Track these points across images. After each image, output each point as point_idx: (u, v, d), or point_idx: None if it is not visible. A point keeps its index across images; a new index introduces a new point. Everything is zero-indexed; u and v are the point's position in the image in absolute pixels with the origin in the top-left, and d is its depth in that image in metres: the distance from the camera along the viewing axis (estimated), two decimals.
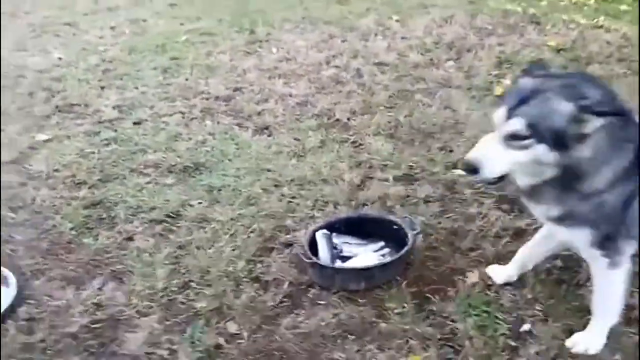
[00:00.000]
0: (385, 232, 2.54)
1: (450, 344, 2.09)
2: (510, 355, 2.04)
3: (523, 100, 1.63)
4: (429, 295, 2.30)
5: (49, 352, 2.06)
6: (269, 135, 3.53)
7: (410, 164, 3.19)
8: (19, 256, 2.51)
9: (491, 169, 1.68)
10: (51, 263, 2.48)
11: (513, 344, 2.09)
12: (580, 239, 1.86)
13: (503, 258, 2.46)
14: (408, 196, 2.92)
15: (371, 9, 5.82)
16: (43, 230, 2.69)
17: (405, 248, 2.36)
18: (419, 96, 4.02)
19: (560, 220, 1.83)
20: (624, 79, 4.26)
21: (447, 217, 2.76)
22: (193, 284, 2.36)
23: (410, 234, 2.43)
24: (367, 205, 2.84)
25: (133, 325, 2.17)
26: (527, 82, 1.70)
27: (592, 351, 2.01)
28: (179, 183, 3.04)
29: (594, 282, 2.02)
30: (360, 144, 3.42)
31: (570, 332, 2.09)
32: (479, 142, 1.73)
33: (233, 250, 2.53)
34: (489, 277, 2.38)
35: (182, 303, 2.28)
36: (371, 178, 3.08)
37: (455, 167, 3.17)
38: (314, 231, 2.46)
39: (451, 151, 3.31)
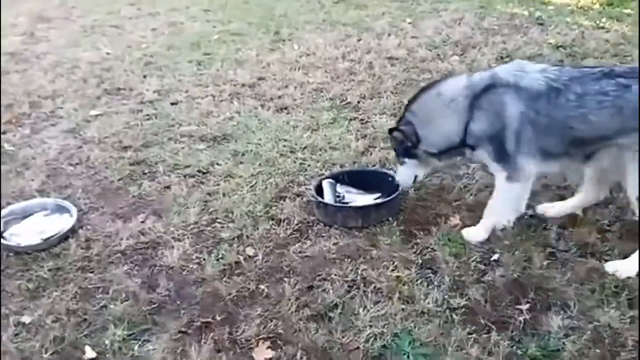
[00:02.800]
0: (382, 184, 2.98)
1: (429, 265, 2.52)
2: (479, 275, 2.45)
3: None
4: (415, 232, 2.73)
5: (102, 262, 2.56)
6: (287, 114, 4.02)
7: None
8: (78, 197, 3.04)
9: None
10: (103, 203, 3.01)
11: (482, 267, 2.50)
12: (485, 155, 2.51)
13: (482, 207, 2.88)
14: None
15: (386, 13, 6.32)
16: (96, 180, 3.23)
17: (396, 192, 2.80)
18: (423, 84, 4.46)
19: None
20: None
21: (437, 176, 3.18)
22: (219, 220, 2.85)
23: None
24: (369, 166, 3.29)
25: (169, 246, 2.66)
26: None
27: (474, 240, 2.63)
28: (209, 148, 3.56)
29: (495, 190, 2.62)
30: (367, 121, 3.88)
31: (530, 260, 2.50)
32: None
33: (253, 197, 3.01)
34: (469, 221, 2.80)
35: (210, 233, 2.76)
36: (374, 147, 3.53)
37: None
38: (321, 180, 2.92)
39: None
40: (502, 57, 4.93)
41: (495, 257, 2.56)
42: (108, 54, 5.25)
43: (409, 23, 5.96)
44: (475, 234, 2.65)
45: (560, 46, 5.23)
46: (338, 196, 2.92)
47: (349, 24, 5.99)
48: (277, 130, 3.76)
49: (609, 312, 2.19)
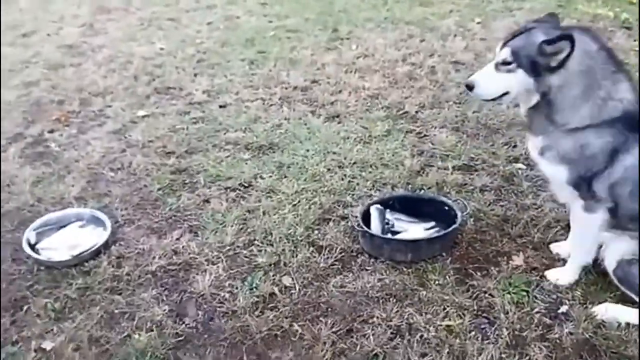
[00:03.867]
0: (437, 212, 2.68)
1: (485, 315, 2.22)
2: (544, 331, 2.13)
3: (515, 36, 2.01)
4: (472, 272, 2.43)
5: (132, 284, 2.43)
6: (339, 123, 3.77)
7: (472, 155, 3.30)
8: (115, 207, 2.94)
9: (483, 88, 2.10)
10: (140, 215, 2.89)
11: (548, 321, 2.17)
12: (556, 174, 2.10)
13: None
14: (465, 184, 3.04)
15: (454, 11, 5.90)
16: (135, 189, 3.11)
17: (453, 226, 2.50)
18: None
19: (542, 153, 2.09)
20: None
21: (501, 206, 2.85)
22: (256, 242, 2.65)
23: (459, 215, 2.56)
24: (423, 189, 3.00)
25: (202, 270, 2.49)
26: (526, 24, 2.07)
27: (561, 282, 2.32)
28: (253, 158, 3.37)
29: (573, 224, 2.32)
30: (425, 135, 3.57)
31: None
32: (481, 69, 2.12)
33: (294, 217, 2.80)
34: (534, 262, 2.47)
35: (246, 257, 2.57)
36: (431, 166, 3.23)
37: (516, 160, 3.24)
38: (369, 205, 2.66)
39: (515, 146, 3.38)
40: None
41: (564, 308, 2.23)
42: (162, 49, 5.16)
43: (478, 23, 5.53)
44: (563, 275, 2.34)
45: None
46: (387, 223, 2.65)
47: (413, 22, 5.63)
48: (326, 141, 3.52)
49: None
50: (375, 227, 2.59)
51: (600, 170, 1.99)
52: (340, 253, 2.56)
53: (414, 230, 2.63)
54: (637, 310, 2.13)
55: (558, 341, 2.08)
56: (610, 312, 2.16)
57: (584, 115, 1.97)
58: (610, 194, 2.03)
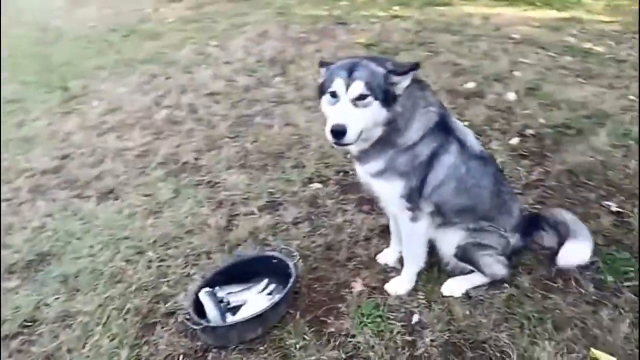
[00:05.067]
0: (267, 268, 2.51)
1: (354, 359, 2.15)
2: (410, 350, 2.17)
3: (351, 71, 1.94)
4: (324, 318, 2.34)
5: None
6: (115, 199, 3.27)
7: (270, 189, 3.21)
8: None
9: (353, 129, 1.92)
10: None
11: (409, 338, 2.22)
12: (392, 190, 2.15)
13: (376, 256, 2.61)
14: (277, 224, 2.93)
15: (186, 39, 5.71)
16: None
17: (291, 280, 2.36)
18: (258, 119, 4.05)
19: (380, 174, 2.13)
20: (428, 60, 4.75)
21: (319, 234, 2.82)
22: None
23: (291, 264, 2.43)
24: (240, 245, 2.79)
25: None
26: (340, 62, 2.02)
27: (401, 292, 2.40)
28: (25, 283, 2.68)
29: (402, 235, 2.37)
30: (216, 183, 3.34)
31: (450, 312, 2.30)
32: (333, 112, 1.96)
33: (111, 340, 2.30)
34: (371, 281, 2.51)
35: None
36: (236, 215, 3.03)
37: (311, 181, 3.27)
38: (196, 293, 2.34)
39: (304, 167, 3.40)
40: None
41: (416, 318, 2.31)
42: None
43: (215, 46, 5.45)
44: (400, 285, 2.43)
45: (371, 44, 5.25)
46: (221, 302, 2.37)
47: (148, 60, 5.27)
48: (109, 227, 3.01)
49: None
50: (212, 313, 2.29)
51: (428, 174, 2.12)
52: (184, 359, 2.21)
53: (251, 298, 2.41)
54: (468, 277, 2.40)
55: (426, 355, 2.15)
56: (452, 286, 2.39)
57: (418, 129, 2.07)
58: (436, 196, 2.17)
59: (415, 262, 2.41)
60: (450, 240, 2.34)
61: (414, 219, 2.23)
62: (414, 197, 2.16)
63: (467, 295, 2.38)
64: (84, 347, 2.29)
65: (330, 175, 3.29)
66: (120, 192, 3.33)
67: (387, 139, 2.07)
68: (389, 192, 2.17)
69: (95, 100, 4.51)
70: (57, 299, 2.55)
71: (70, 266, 2.75)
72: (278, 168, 3.43)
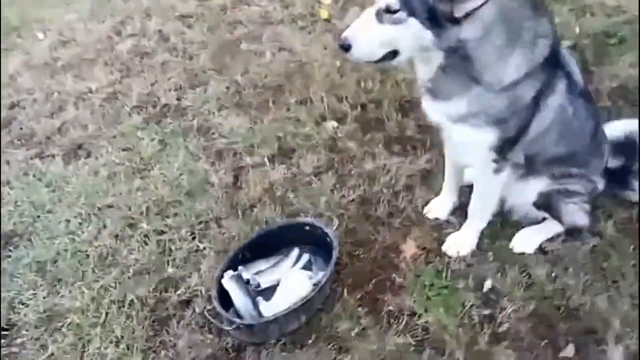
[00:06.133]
0: (295, 235, 2.04)
1: (426, 345, 1.76)
2: (492, 327, 1.79)
3: None
4: (378, 295, 1.91)
5: None
6: (87, 157, 2.66)
7: (277, 133, 2.65)
8: None
9: (363, 45, 1.57)
10: None
11: (486, 312, 1.83)
12: (482, 140, 1.69)
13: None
14: (295, 176, 2.42)
15: None
16: None
17: (334, 254, 1.89)
18: (244, 45, 3.38)
19: (465, 118, 1.65)
20: None
21: (349, 187, 2.33)
22: None
23: (330, 232, 1.96)
24: (254, 208, 2.27)
25: None
26: None
27: (464, 252, 2.00)
28: None
29: (476, 186, 1.95)
30: (209, 128, 2.75)
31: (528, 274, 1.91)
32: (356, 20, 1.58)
33: (116, 345, 1.82)
34: (425, 242, 2.07)
35: None
36: (242, 168, 2.49)
37: (324, 119, 2.72)
38: (219, 279, 1.85)
39: (312, 102, 2.82)
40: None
41: (488, 284, 1.92)
42: None
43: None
44: (463, 245, 2.01)
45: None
46: (248, 283, 1.90)
47: None
48: (86, 193, 2.43)
49: None
50: (243, 303, 1.82)
51: (529, 122, 1.65)
52: None
53: (285, 275, 1.94)
54: (540, 227, 2.02)
55: (512, 332, 1.77)
56: (523, 240, 2.01)
57: (519, 66, 1.56)
58: (534, 146, 1.73)
59: (485, 216, 1.99)
60: (530, 189, 1.91)
61: (497, 171, 1.77)
62: (505, 149, 1.69)
63: (542, 250, 2.00)
64: (82, 358, 1.80)
65: (345, 111, 2.74)
66: (91, 148, 2.71)
67: (465, 70, 1.57)
68: (476, 143, 1.69)
69: (40, 32, 3.70)
70: (35, 294, 2.03)
71: (45, 249, 2.19)
72: (281, 105, 2.84)
